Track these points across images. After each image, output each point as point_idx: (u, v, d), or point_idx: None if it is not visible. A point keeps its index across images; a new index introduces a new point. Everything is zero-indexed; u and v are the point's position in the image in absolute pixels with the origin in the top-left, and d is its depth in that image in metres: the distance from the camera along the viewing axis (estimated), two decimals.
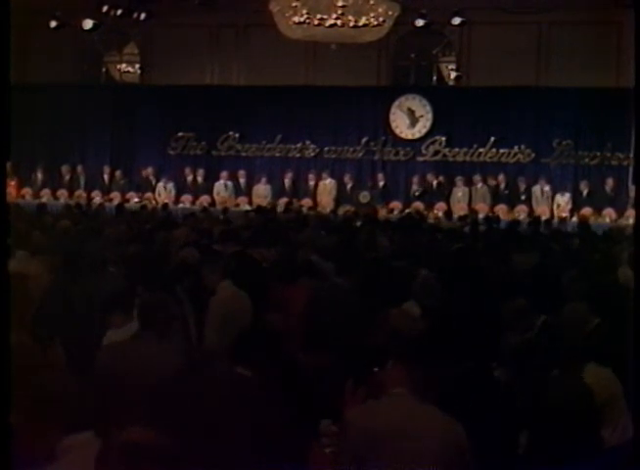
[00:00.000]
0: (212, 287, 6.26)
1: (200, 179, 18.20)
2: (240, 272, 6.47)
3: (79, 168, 18.65)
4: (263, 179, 17.97)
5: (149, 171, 18.35)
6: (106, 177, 18.57)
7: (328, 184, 17.72)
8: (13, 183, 17.36)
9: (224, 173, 18.01)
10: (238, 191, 17.92)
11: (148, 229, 10.16)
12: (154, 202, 17.27)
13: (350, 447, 3.42)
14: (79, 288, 6.01)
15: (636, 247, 4.91)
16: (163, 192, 17.85)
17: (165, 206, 16.09)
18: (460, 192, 17.12)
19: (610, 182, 16.49)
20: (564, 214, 16.05)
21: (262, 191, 17.81)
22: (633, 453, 2.73)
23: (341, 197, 17.56)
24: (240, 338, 4.07)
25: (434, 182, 17.38)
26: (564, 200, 16.53)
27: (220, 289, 6.23)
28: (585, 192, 16.74)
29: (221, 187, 17.83)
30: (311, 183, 17.91)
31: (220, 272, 6.39)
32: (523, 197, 16.82)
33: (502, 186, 17.09)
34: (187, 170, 18.29)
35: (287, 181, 18.04)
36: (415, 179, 17.53)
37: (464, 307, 5.26)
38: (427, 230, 11.56)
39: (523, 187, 16.95)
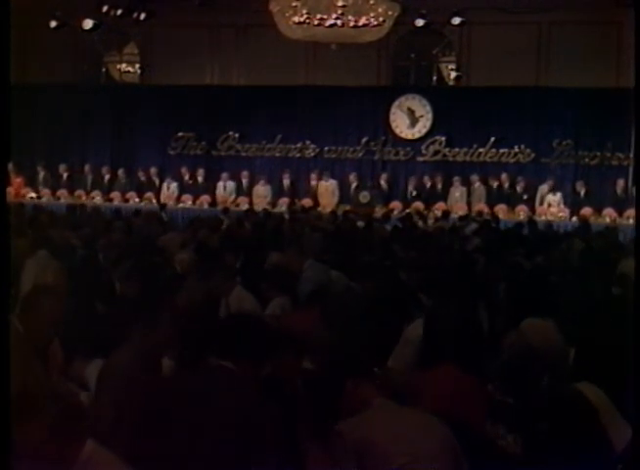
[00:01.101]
0: (226, 294, 6.13)
1: (200, 179, 18.19)
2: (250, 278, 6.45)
3: (87, 168, 18.65)
4: (263, 180, 17.94)
5: (152, 171, 18.37)
6: (106, 177, 18.58)
7: (329, 185, 17.70)
8: (19, 180, 17.41)
9: (225, 174, 18.02)
10: (239, 191, 17.92)
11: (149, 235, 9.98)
12: (154, 202, 17.28)
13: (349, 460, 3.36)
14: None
15: (636, 247, 4.91)
16: (167, 192, 17.85)
17: (164, 206, 16.09)
18: (458, 192, 17.11)
19: (620, 183, 16.42)
20: (561, 215, 16.03)
21: (262, 191, 17.78)
22: (632, 459, 2.73)
23: (341, 197, 17.56)
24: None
25: (428, 184, 17.35)
26: (555, 199, 16.49)
27: (234, 295, 6.17)
28: (582, 192, 16.72)
29: (221, 188, 17.83)
30: (312, 183, 17.89)
31: (233, 279, 6.32)
32: (525, 196, 16.78)
33: (506, 186, 17.02)
34: (187, 170, 18.28)
35: (286, 181, 18.02)
36: (412, 180, 17.54)
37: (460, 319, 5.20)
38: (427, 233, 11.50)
39: (522, 187, 16.93)
